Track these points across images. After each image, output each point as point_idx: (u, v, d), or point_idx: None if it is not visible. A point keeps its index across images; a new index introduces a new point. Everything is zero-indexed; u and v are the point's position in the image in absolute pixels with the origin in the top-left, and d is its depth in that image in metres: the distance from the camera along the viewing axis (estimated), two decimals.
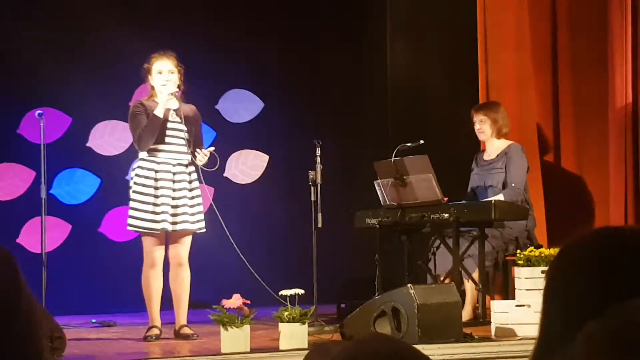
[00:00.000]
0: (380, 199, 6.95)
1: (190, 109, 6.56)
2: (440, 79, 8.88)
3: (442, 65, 8.91)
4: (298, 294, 5.66)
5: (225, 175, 8.94)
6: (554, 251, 6.03)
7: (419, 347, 5.70)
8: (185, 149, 6.44)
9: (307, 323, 5.67)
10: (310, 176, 6.75)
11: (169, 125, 6.41)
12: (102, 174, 8.70)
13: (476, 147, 7.88)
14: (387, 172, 6.86)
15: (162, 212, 6.31)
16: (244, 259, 6.65)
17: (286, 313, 5.62)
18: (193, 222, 6.40)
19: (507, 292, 6.80)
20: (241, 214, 8.42)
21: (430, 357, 5.28)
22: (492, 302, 6.27)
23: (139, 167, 6.43)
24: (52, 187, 8.48)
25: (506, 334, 5.85)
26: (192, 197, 6.44)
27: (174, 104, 6.47)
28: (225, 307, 5.55)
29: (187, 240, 6.45)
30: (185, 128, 6.44)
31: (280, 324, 5.65)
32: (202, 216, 6.47)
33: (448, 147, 8.28)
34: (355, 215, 7.26)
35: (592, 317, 1.22)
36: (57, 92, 8.50)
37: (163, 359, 5.55)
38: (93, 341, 6.52)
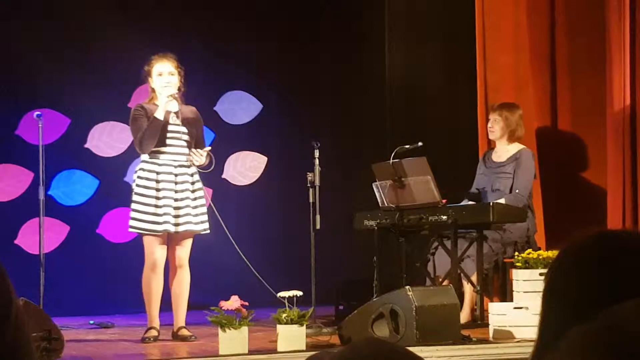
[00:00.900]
0: (379, 200, 6.95)
1: (190, 110, 6.56)
2: (438, 81, 8.89)
3: (440, 67, 8.91)
4: (296, 295, 5.66)
5: (223, 176, 8.94)
6: (552, 253, 6.03)
7: (417, 349, 5.69)
8: (186, 150, 6.44)
9: (305, 325, 5.67)
10: (309, 178, 6.75)
11: (170, 127, 6.41)
12: (101, 175, 8.70)
13: (474, 148, 7.89)
14: (385, 174, 6.86)
15: (164, 214, 6.31)
16: (245, 258, 6.66)
17: (284, 315, 5.62)
18: (197, 223, 6.40)
19: (505, 294, 6.80)
20: (239, 216, 8.42)
21: (429, 359, 5.26)
22: (490, 304, 6.27)
23: (140, 169, 6.43)
24: (50, 189, 8.48)
25: (504, 336, 5.85)
26: (195, 198, 6.43)
27: (174, 106, 6.47)
28: (223, 308, 5.55)
29: (188, 243, 6.45)
30: (185, 130, 6.43)
31: (278, 326, 5.65)
32: (205, 217, 6.47)
33: (446, 149, 8.28)
34: (353, 217, 7.26)
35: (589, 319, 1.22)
36: (56, 94, 8.51)
37: None
38: (91, 342, 6.51)
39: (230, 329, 5.50)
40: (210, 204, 6.61)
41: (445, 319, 5.73)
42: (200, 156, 6.38)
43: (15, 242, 8.41)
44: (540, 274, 5.85)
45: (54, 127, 8.45)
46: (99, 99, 8.50)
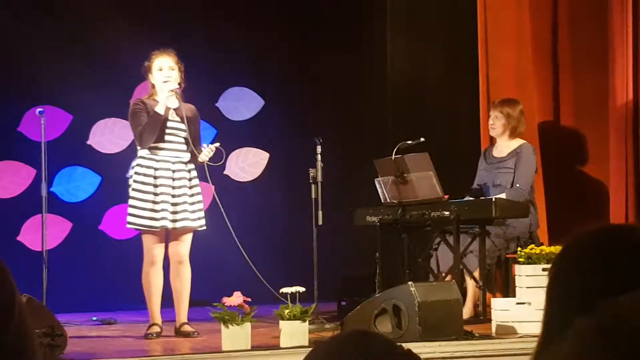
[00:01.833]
0: (381, 196, 6.95)
1: (189, 108, 6.56)
2: (440, 77, 8.88)
3: (442, 63, 8.90)
4: (299, 291, 5.66)
5: (225, 173, 8.94)
6: (554, 249, 6.03)
7: (419, 344, 5.68)
8: (184, 147, 6.44)
9: (307, 321, 5.67)
10: (311, 174, 6.75)
11: (169, 124, 6.41)
12: (103, 171, 8.70)
13: (476, 144, 7.89)
14: (387, 169, 6.86)
15: (162, 210, 6.31)
16: (245, 256, 6.65)
17: (287, 311, 5.62)
18: (193, 220, 6.41)
19: (508, 289, 6.80)
20: (241, 212, 8.42)
21: (431, 354, 5.26)
22: (492, 299, 6.26)
23: (138, 165, 6.43)
24: (53, 185, 8.48)
25: (507, 331, 5.85)
26: (192, 195, 6.44)
27: (174, 102, 6.47)
28: (226, 304, 5.55)
29: (188, 238, 6.45)
30: (184, 127, 6.43)
31: (281, 322, 5.65)
32: (202, 213, 6.47)
33: (448, 145, 8.27)
34: (355, 213, 7.26)
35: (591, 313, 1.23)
36: (58, 90, 8.51)
37: (164, 357, 5.55)
38: (94, 339, 6.52)
39: (232, 325, 5.50)
40: (215, 199, 6.60)
41: (448, 315, 5.72)
42: (211, 151, 6.40)
43: (18, 238, 8.41)
44: (543, 270, 5.85)
45: (56, 123, 8.45)
46: (101, 96, 8.50)
